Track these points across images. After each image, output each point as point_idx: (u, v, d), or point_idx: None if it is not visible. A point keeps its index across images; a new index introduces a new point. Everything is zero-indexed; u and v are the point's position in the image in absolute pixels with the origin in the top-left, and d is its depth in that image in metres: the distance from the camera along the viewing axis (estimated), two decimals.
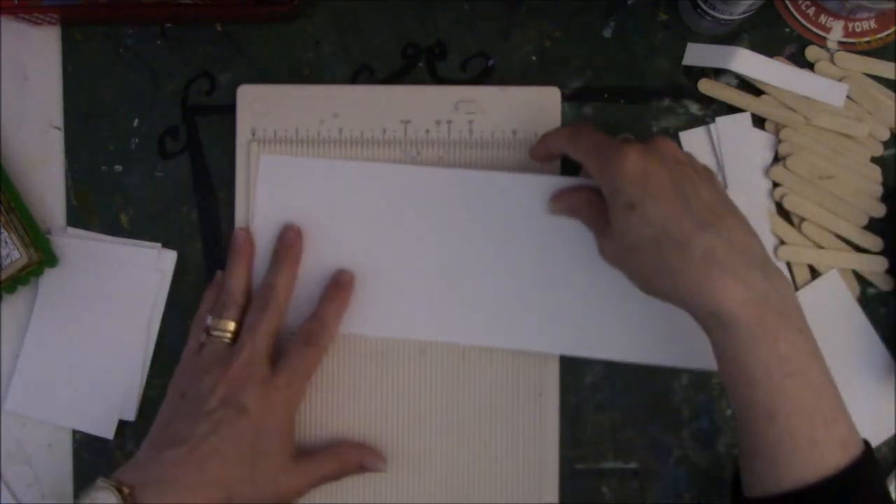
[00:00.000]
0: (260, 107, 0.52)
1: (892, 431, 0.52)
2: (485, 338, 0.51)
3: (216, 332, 0.49)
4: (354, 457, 0.50)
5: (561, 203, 0.50)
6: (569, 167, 0.52)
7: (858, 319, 0.52)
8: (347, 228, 0.52)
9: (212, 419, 0.46)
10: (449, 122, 0.52)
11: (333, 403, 0.52)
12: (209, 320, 0.49)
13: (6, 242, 0.51)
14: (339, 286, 0.51)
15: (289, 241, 0.51)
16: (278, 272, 0.50)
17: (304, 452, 0.49)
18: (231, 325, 0.49)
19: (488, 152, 0.52)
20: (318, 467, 0.49)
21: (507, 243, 0.51)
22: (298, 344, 0.49)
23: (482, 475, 0.51)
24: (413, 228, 0.52)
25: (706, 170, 0.46)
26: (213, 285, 0.52)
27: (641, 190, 0.43)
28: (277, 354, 0.49)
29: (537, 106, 0.52)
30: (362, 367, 0.52)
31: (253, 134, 0.52)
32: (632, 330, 0.51)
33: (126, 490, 0.44)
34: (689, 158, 0.46)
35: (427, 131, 0.52)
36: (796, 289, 0.52)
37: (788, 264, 0.53)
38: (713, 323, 0.42)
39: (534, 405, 0.51)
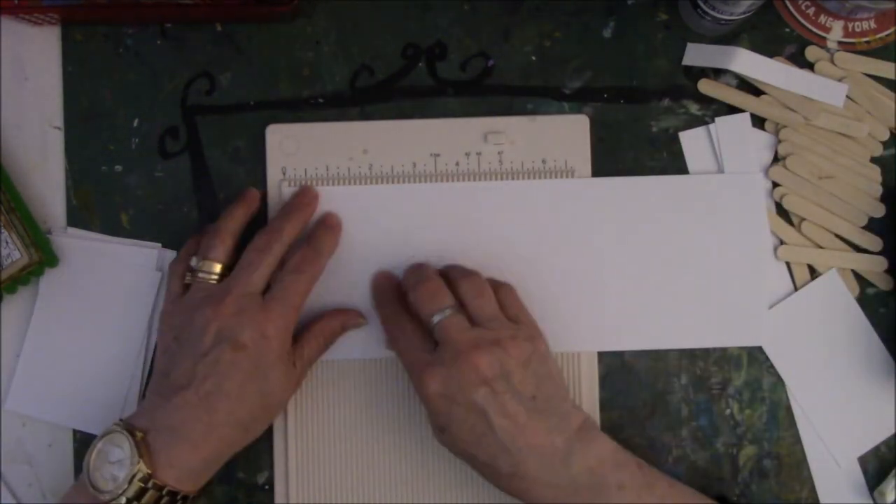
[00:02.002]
0: (289, 146, 0.52)
1: (892, 431, 0.52)
2: None
3: (202, 274, 0.48)
4: (335, 325, 0.50)
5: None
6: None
7: (858, 319, 0.52)
8: (369, 249, 0.52)
9: (208, 359, 0.45)
10: (478, 153, 0.53)
11: (372, 437, 0.52)
12: (194, 261, 0.49)
13: (6, 242, 0.51)
14: (329, 227, 0.51)
15: (306, 199, 0.51)
16: (288, 220, 0.50)
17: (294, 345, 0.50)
18: (217, 267, 0.48)
19: (519, 182, 0.53)
20: (309, 352, 0.49)
21: (531, 249, 0.52)
22: (290, 272, 0.48)
23: None
24: (432, 243, 0.52)
25: (528, 359, 0.46)
26: (199, 234, 0.51)
27: (447, 417, 0.45)
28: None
29: (566, 134, 0.53)
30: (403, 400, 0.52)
31: (284, 173, 0.53)
32: (666, 318, 0.52)
33: (139, 434, 0.44)
34: (502, 363, 0.45)
35: (457, 164, 0.53)
36: (795, 289, 0.52)
37: (788, 264, 0.53)
38: None
39: None
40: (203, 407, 0.45)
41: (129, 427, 0.44)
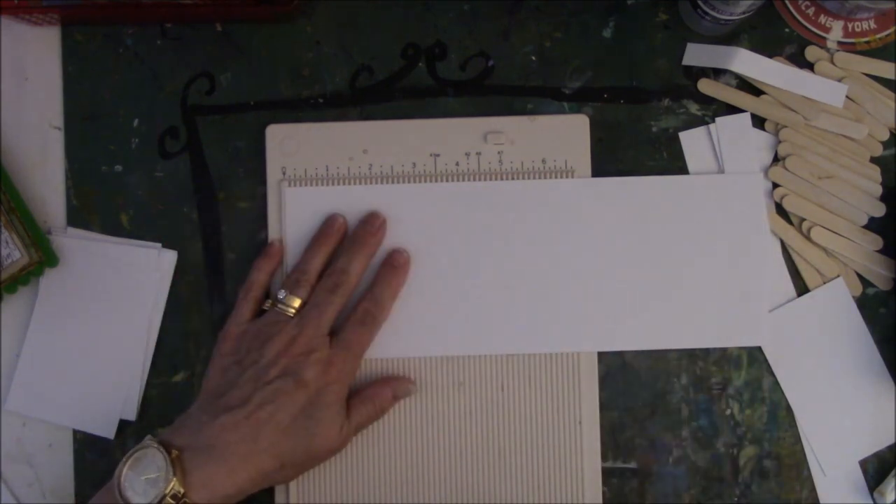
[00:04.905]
0: (289, 146, 0.52)
1: (892, 440, 0.52)
2: (526, 345, 0.52)
3: (282, 306, 0.49)
4: (386, 393, 0.50)
5: None
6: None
7: (860, 327, 0.52)
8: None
9: (270, 388, 0.47)
10: (478, 153, 0.53)
11: (372, 438, 0.52)
12: (282, 294, 0.50)
13: (6, 242, 0.51)
14: (395, 268, 0.51)
15: (372, 229, 0.51)
16: (354, 258, 0.50)
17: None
18: (297, 302, 0.49)
19: (519, 182, 0.53)
20: (358, 417, 0.50)
21: (531, 249, 0.52)
22: (355, 323, 0.50)
23: None
24: (431, 244, 0.52)
25: None
26: (269, 255, 0.52)
27: None
28: (334, 330, 0.50)
29: (566, 134, 0.53)
30: (401, 401, 0.52)
31: (283, 173, 0.53)
32: (666, 318, 0.52)
33: (174, 453, 0.44)
34: None
35: (457, 164, 0.53)
36: (797, 290, 0.52)
37: (794, 267, 0.53)
38: None
39: (574, 434, 0.52)
40: (249, 431, 0.46)
41: (165, 444, 0.45)
